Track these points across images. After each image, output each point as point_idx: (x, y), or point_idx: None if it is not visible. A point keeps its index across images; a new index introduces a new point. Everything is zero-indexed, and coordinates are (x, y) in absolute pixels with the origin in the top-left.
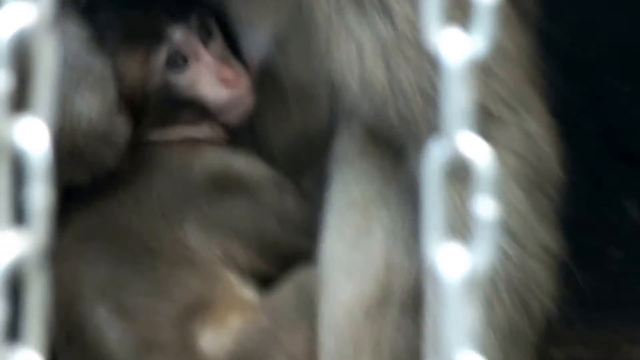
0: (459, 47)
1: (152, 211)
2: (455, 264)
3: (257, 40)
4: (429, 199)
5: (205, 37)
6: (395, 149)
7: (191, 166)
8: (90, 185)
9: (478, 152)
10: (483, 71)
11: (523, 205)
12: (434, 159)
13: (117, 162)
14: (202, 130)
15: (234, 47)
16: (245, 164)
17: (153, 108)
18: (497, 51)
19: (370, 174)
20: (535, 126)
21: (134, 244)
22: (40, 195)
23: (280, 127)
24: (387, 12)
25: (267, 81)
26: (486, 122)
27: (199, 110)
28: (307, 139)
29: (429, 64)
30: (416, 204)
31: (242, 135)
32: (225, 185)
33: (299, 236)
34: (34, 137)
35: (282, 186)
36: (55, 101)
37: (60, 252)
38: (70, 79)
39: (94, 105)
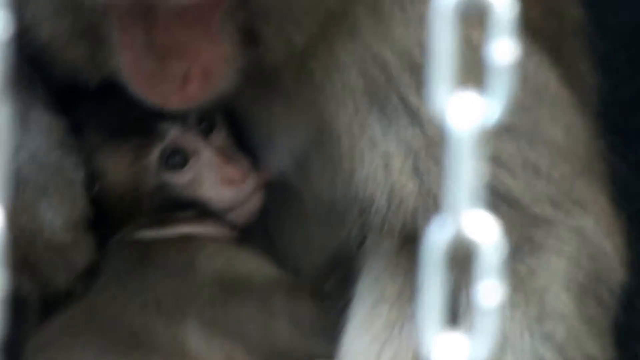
0: (469, 113)
1: (146, 307)
2: (453, 353)
3: (275, 148)
4: (428, 283)
5: (206, 129)
6: None
7: (193, 264)
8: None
9: (484, 233)
10: (525, 168)
11: (570, 313)
12: (434, 240)
13: (69, 284)
14: (206, 228)
15: (242, 144)
16: (254, 265)
17: (148, 209)
18: (545, 146)
19: (403, 268)
20: (591, 223)
21: (124, 338)
22: None
23: (301, 241)
24: (414, 117)
25: (285, 194)
26: (529, 225)
27: (201, 208)
28: (330, 250)
29: None
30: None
31: (253, 234)
32: (231, 286)
33: (313, 340)
34: None
35: (295, 288)
36: (13, 191)
37: (45, 343)
38: (37, 179)
39: (61, 214)
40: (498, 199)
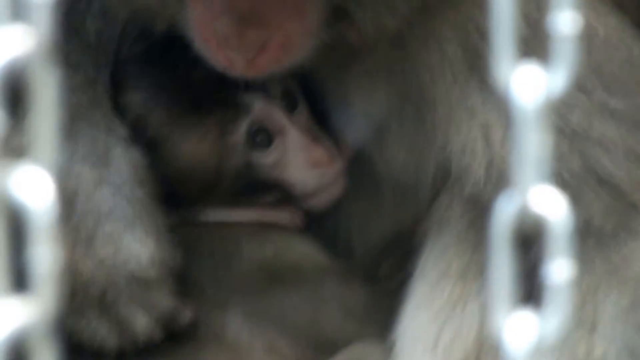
0: (534, 86)
1: (190, 295)
2: (523, 333)
3: (351, 120)
4: (496, 260)
5: (290, 107)
6: None
7: (239, 252)
8: None
9: (552, 208)
10: (627, 155)
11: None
12: (502, 216)
13: (147, 334)
14: (278, 216)
15: (319, 119)
16: (305, 252)
17: (226, 189)
18: None
19: (471, 243)
20: None
21: None
22: (44, 256)
23: (368, 219)
24: None
25: (356, 170)
26: (627, 213)
27: (281, 193)
28: (397, 229)
29: (568, 148)
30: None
31: (312, 219)
32: (278, 275)
33: (365, 326)
34: (34, 188)
35: (346, 274)
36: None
37: None
38: (123, 212)
39: (147, 249)
40: (598, 183)
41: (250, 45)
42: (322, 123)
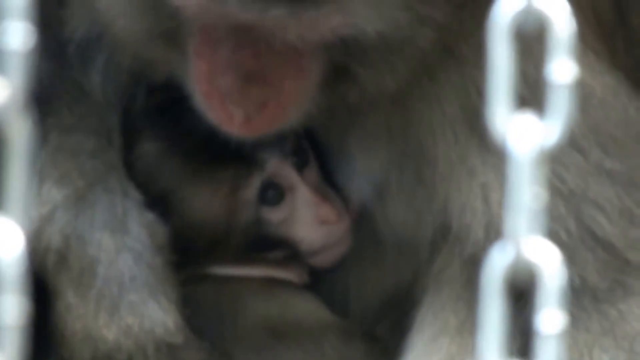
0: (529, 135)
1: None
2: None
3: (354, 177)
4: (487, 310)
5: (301, 164)
6: None
7: (244, 308)
8: None
9: (545, 259)
10: (621, 214)
11: None
12: (495, 266)
13: None
14: (284, 273)
15: (326, 176)
16: (307, 309)
17: (234, 244)
18: None
19: (468, 299)
20: None
21: None
22: (11, 307)
23: (366, 276)
24: None
25: (357, 225)
26: (622, 270)
27: (288, 249)
28: (395, 287)
29: (565, 208)
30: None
31: (315, 276)
32: (280, 331)
33: None
34: (4, 239)
35: (347, 331)
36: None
37: None
38: (146, 279)
39: (171, 315)
40: (594, 242)
41: (251, 102)
42: (328, 180)
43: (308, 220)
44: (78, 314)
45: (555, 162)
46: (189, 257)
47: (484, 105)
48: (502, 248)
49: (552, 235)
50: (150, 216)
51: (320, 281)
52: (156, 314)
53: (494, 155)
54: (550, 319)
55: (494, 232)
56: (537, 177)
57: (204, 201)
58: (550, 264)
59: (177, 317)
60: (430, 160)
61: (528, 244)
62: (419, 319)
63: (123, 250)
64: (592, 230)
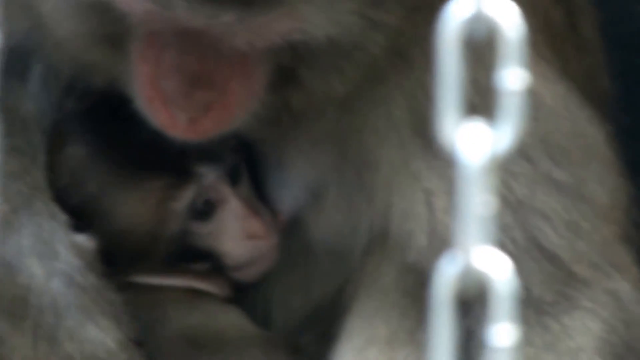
0: (480, 143)
1: None
2: None
3: (287, 186)
4: (436, 322)
5: (234, 178)
6: None
7: (166, 318)
8: None
9: (497, 268)
10: (568, 226)
11: None
12: (444, 276)
13: None
14: (207, 285)
15: (257, 186)
16: (232, 322)
17: (159, 253)
18: (589, 206)
19: (400, 309)
20: (628, 288)
21: None
22: None
23: (291, 288)
24: None
25: (286, 235)
26: (566, 283)
27: (214, 262)
28: (323, 297)
29: (512, 217)
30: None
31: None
32: (201, 343)
33: None
34: None
35: (270, 345)
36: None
37: None
38: (80, 302)
39: (111, 335)
40: (539, 252)
41: (196, 106)
42: (259, 190)
43: (235, 234)
44: (15, 346)
45: (503, 170)
46: (113, 264)
47: (431, 109)
48: (452, 258)
49: (498, 244)
50: (78, 237)
51: (243, 290)
52: (95, 337)
53: (439, 160)
54: (502, 331)
55: (437, 239)
56: (487, 185)
57: (131, 209)
58: (501, 274)
59: (118, 334)
60: (372, 164)
61: (478, 253)
62: (348, 328)
63: (54, 275)
64: (538, 241)
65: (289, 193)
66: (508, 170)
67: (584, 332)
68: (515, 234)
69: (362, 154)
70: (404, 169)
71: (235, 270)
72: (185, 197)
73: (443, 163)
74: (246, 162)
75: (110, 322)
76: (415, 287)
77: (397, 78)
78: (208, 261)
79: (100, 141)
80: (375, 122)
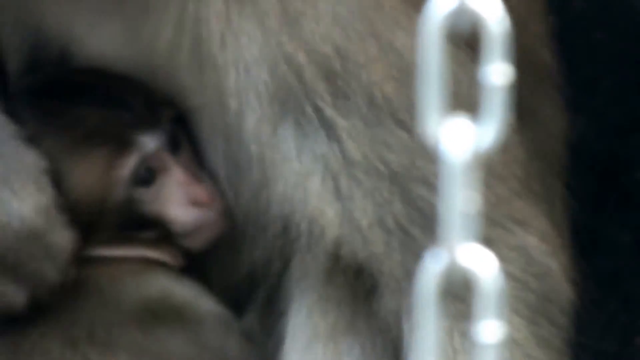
0: (463, 140)
1: (79, 338)
2: None
3: (213, 158)
4: (421, 319)
5: (174, 147)
6: (367, 282)
7: (126, 289)
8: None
9: (481, 264)
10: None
11: (524, 338)
12: (428, 273)
13: (60, 277)
14: (159, 254)
15: (200, 161)
16: (190, 295)
17: (107, 224)
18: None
19: (338, 303)
20: (533, 241)
21: None
22: None
23: (225, 259)
24: (331, 131)
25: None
26: None
27: (161, 230)
28: (253, 272)
29: (389, 191)
30: (389, 345)
31: (197, 262)
32: (161, 314)
33: None
34: None
35: (228, 325)
36: None
37: None
38: None
39: (27, 201)
40: (430, 220)
41: None
42: (202, 165)
43: (179, 200)
44: None
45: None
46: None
47: (294, 76)
48: (436, 255)
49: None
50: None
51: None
52: (9, 205)
53: (310, 138)
54: (488, 328)
55: (317, 227)
56: (471, 182)
57: (79, 179)
58: (486, 271)
59: (36, 200)
60: (242, 139)
61: (462, 250)
62: (291, 325)
63: None
64: (424, 212)
65: (213, 163)
66: (384, 143)
67: None
68: (396, 207)
69: (232, 125)
70: (274, 147)
71: (184, 238)
72: (127, 165)
73: (315, 142)
74: (189, 135)
75: (27, 187)
76: (341, 277)
77: (251, 28)
78: (156, 229)
79: (46, 115)
80: (237, 81)
